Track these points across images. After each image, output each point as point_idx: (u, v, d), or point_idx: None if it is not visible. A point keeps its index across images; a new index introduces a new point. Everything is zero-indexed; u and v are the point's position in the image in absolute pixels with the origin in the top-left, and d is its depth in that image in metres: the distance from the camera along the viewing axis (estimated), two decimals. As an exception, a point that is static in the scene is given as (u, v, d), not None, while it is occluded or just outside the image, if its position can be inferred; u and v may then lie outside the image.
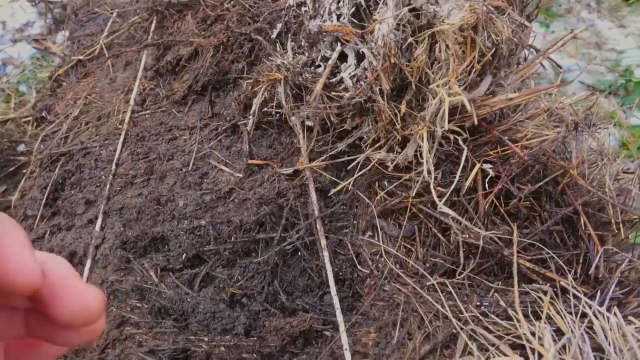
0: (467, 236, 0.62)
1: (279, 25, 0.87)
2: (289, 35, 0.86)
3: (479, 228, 0.62)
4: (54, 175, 0.92)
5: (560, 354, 0.52)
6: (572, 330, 0.52)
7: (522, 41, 0.71)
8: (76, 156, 0.94)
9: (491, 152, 0.68)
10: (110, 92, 1.09)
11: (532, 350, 0.52)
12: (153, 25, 1.17)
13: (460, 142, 0.65)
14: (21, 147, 1.72)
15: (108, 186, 0.87)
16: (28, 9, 2.27)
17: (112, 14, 1.25)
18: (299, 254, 0.68)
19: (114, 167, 0.89)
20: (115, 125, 0.98)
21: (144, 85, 1.06)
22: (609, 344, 0.50)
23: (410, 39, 0.71)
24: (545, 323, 0.53)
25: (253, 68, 0.93)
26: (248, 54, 0.94)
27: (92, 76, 1.17)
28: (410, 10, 0.74)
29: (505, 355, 0.53)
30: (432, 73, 0.69)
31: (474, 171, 0.67)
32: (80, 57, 1.21)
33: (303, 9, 0.82)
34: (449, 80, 0.67)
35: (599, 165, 0.66)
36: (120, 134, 0.95)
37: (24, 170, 1.56)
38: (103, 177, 0.89)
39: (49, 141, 1.04)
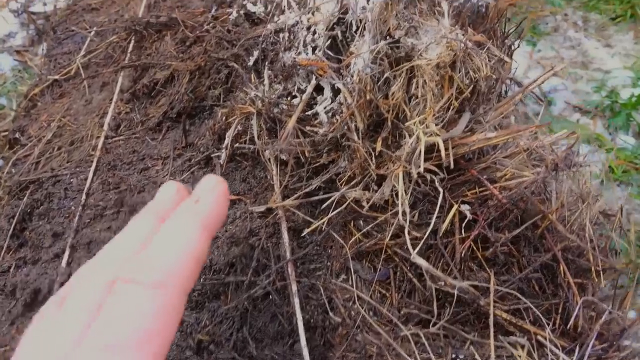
0: (442, 283, 0.60)
1: (256, 53, 0.84)
2: (266, 63, 0.83)
3: (455, 276, 0.60)
4: (22, 204, 0.89)
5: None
6: (548, 391, 0.49)
7: (501, 76, 0.69)
8: (46, 184, 0.91)
9: (469, 193, 0.66)
10: (85, 115, 1.06)
11: (508, 410, 0.50)
12: (131, 45, 1.14)
13: (437, 183, 0.63)
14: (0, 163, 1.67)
15: (77, 218, 0.84)
16: (10, 20, 2.22)
17: (89, 32, 1.22)
18: (270, 297, 0.65)
19: (84, 197, 0.86)
20: (88, 151, 0.95)
21: (120, 109, 1.03)
22: (587, 406, 0.48)
23: (387, 73, 0.69)
24: (521, 381, 0.51)
25: (230, 95, 0.91)
26: (225, 80, 0.92)
27: (67, 97, 1.14)
28: (388, 42, 0.72)
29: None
30: (409, 109, 0.67)
31: (451, 213, 0.65)
32: (57, 77, 1.18)
33: (281, 35, 0.79)
34: (426, 118, 0.65)
35: (580, 208, 0.64)
36: (92, 162, 0.92)
37: None
38: (72, 207, 0.86)
39: (20, 166, 1.01)
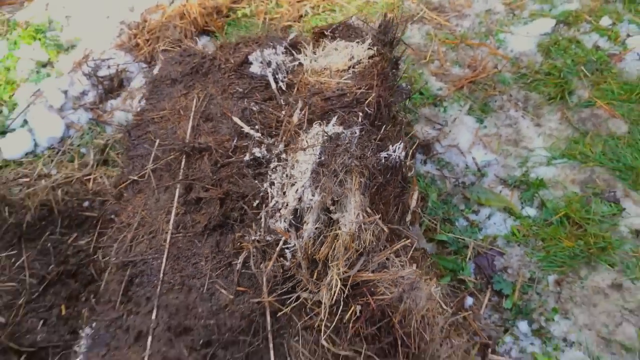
0: (340, 348, 1.24)
1: (257, 201, 1.48)
2: (263, 205, 1.47)
3: (344, 340, 1.24)
4: (126, 276, 1.56)
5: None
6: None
7: (381, 242, 1.31)
8: (138, 264, 1.58)
9: (361, 300, 1.29)
10: (156, 211, 1.72)
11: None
12: (183, 161, 1.78)
13: (347, 293, 1.26)
14: (86, 204, 2.40)
15: (158, 289, 1.50)
16: (83, 81, 2.90)
17: (153, 148, 1.85)
18: (260, 346, 1.31)
19: (161, 276, 1.53)
20: (161, 242, 1.61)
21: (178, 210, 1.68)
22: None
23: (323, 234, 1.32)
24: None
25: (244, 217, 1.54)
26: (241, 208, 1.55)
27: (143, 193, 1.80)
28: (323, 211, 1.34)
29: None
30: (332, 257, 1.30)
31: (351, 310, 1.28)
32: (135, 178, 1.83)
33: (272, 190, 1.42)
34: (339, 263, 1.28)
35: (414, 313, 1.26)
36: (164, 251, 1.57)
37: (91, 229, 2.20)
38: (155, 281, 1.52)
39: (119, 245, 1.67)
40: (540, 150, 2.25)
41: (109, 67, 2.90)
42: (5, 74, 2.97)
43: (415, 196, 1.68)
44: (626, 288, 1.86)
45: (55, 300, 2.11)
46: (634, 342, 1.76)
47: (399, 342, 1.25)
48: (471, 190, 2.16)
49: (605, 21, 2.60)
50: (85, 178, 2.53)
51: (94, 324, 1.54)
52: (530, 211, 2.08)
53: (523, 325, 1.83)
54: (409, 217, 1.76)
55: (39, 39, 3.12)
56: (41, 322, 2.05)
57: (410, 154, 1.75)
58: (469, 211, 2.11)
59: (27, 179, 2.54)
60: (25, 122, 2.72)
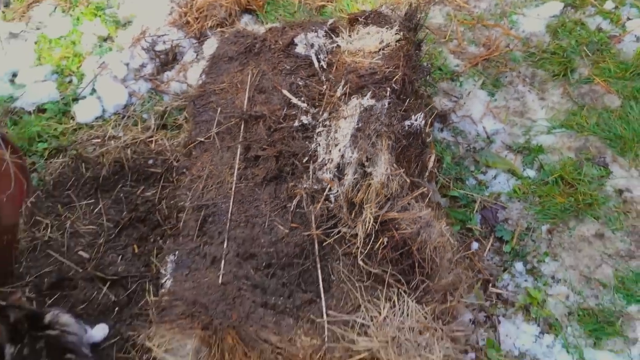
0: (371, 268, 1.65)
1: (306, 157, 1.87)
2: (311, 161, 1.86)
3: (376, 265, 1.65)
4: (201, 216, 1.98)
5: None
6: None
7: (403, 190, 1.70)
8: (210, 207, 1.99)
9: (388, 233, 1.70)
10: (221, 166, 2.12)
11: None
12: (242, 126, 2.18)
13: (377, 228, 1.67)
14: (150, 161, 2.83)
15: (227, 225, 1.92)
16: (142, 54, 3.29)
17: (216, 113, 2.25)
18: (310, 267, 1.73)
19: (229, 215, 1.94)
20: (227, 190, 2.02)
21: (239, 165, 2.08)
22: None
23: (359, 183, 1.72)
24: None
25: (295, 170, 1.94)
26: (292, 163, 1.95)
27: (208, 152, 2.20)
28: (360, 165, 1.74)
29: None
30: (366, 200, 1.70)
31: (380, 241, 1.69)
32: (202, 139, 2.24)
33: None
34: (371, 205, 1.68)
35: (429, 244, 1.66)
36: (230, 197, 1.99)
37: (164, 185, 2.62)
38: (224, 220, 1.94)
39: (193, 192, 2.09)
40: (542, 121, 2.59)
41: (164, 42, 3.28)
42: (72, 47, 3.36)
43: (432, 158, 2.05)
44: (607, 237, 2.23)
45: (129, 240, 2.56)
46: (610, 279, 2.15)
47: (416, 264, 1.66)
48: (480, 154, 2.52)
49: (609, 4, 2.87)
50: (148, 140, 2.96)
51: (176, 252, 1.97)
52: (530, 173, 2.44)
53: (519, 266, 2.23)
54: (426, 175, 2.14)
55: (99, 16, 3.50)
56: (119, 257, 2.50)
57: (429, 122, 2.11)
58: (478, 172, 2.48)
59: (99, 140, 2.97)
60: (94, 90, 3.13)
